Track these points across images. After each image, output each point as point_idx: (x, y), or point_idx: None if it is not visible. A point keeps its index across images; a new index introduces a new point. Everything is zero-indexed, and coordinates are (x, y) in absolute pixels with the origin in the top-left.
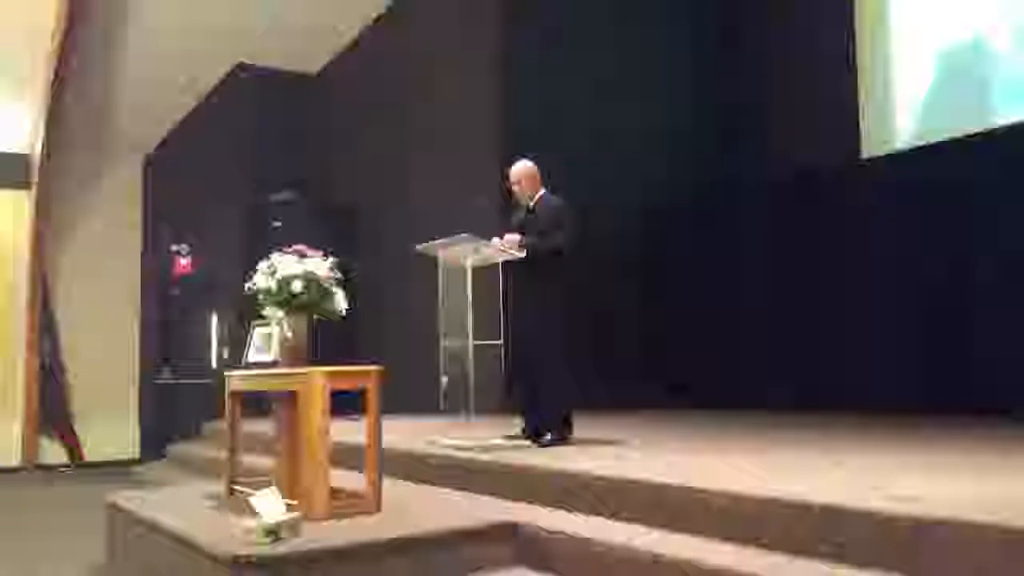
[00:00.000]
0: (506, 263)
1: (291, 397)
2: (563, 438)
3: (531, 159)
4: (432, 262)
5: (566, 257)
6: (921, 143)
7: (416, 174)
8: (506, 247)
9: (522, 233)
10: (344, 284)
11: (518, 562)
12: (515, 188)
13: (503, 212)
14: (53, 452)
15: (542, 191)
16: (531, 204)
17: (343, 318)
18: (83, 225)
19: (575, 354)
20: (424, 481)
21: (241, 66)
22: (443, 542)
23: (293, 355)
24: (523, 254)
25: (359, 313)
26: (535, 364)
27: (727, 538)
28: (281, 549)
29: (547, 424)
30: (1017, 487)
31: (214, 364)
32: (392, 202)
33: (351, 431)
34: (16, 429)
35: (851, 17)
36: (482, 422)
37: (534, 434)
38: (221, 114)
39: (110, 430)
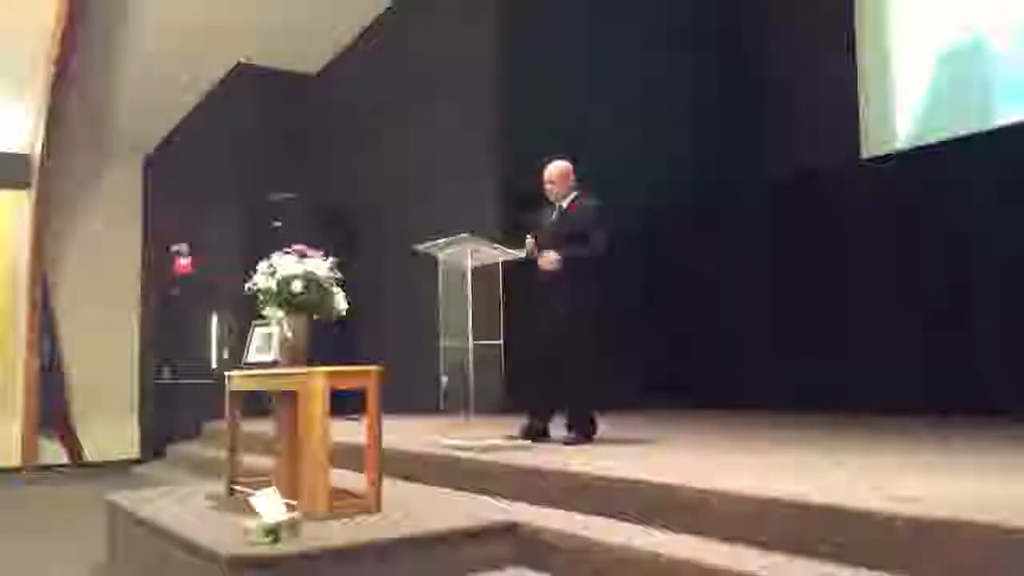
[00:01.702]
0: (512, 262)
1: (291, 397)
2: (588, 437)
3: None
4: (432, 262)
5: (600, 257)
6: (921, 143)
7: (416, 174)
8: (549, 265)
9: (553, 233)
10: (343, 282)
11: (518, 562)
12: (548, 187)
13: (505, 212)
14: (53, 452)
15: (574, 193)
16: (564, 205)
17: (343, 318)
18: (83, 225)
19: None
20: (424, 481)
21: (241, 66)
22: (443, 542)
23: (293, 355)
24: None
25: (359, 313)
26: (563, 364)
27: (727, 538)
28: (281, 549)
29: (573, 422)
30: (1017, 487)
31: (214, 364)
32: (392, 202)
33: (351, 431)
34: (16, 429)
35: (851, 17)
36: (482, 422)
37: (540, 434)
38: (221, 114)
39: (110, 430)
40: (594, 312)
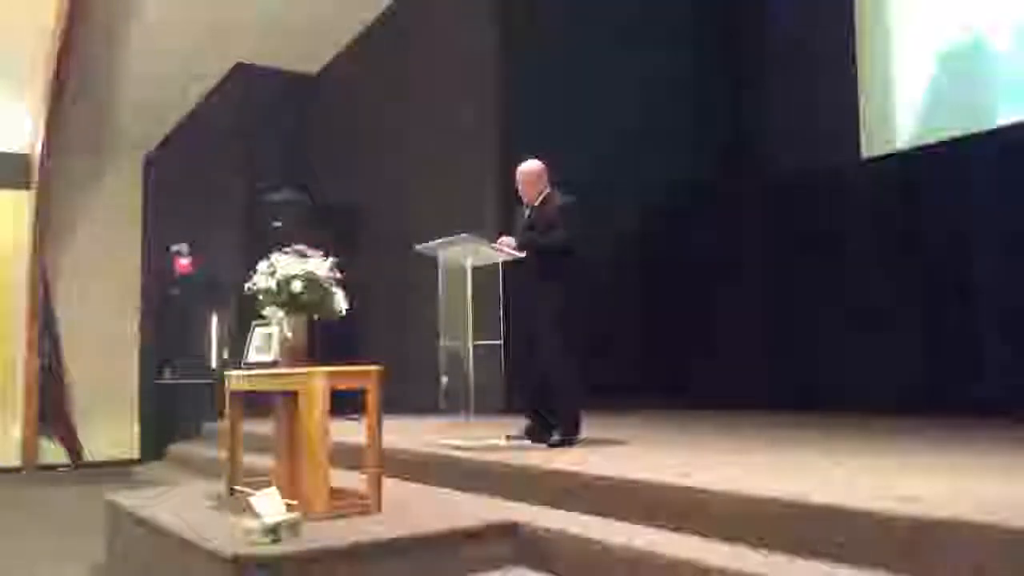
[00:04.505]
0: (508, 263)
1: (291, 397)
2: (570, 438)
3: (531, 159)
4: (432, 262)
5: (568, 255)
6: (921, 143)
7: (416, 174)
8: (502, 248)
9: (530, 230)
10: (343, 283)
11: (518, 562)
12: (520, 188)
13: (505, 212)
14: (53, 452)
15: (548, 190)
16: (536, 203)
17: (343, 318)
18: (83, 225)
19: (577, 354)
20: (424, 481)
21: (241, 66)
22: (443, 542)
23: (293, 355)
24: (522, 255)
25: (359, 313)
26: (543, 364)
27: (727, 538)
28: (281, 549)
29: (557, 423)
30: (1017, 487)
31: (214, 364)
32: (392, 202)
33: (351, 431)
34: (16, 429)
35: (851, 17)
36: (482, 422)
37: (539, 434)
38: (221, 114)
39: (110, 430)
40: (565, 312)
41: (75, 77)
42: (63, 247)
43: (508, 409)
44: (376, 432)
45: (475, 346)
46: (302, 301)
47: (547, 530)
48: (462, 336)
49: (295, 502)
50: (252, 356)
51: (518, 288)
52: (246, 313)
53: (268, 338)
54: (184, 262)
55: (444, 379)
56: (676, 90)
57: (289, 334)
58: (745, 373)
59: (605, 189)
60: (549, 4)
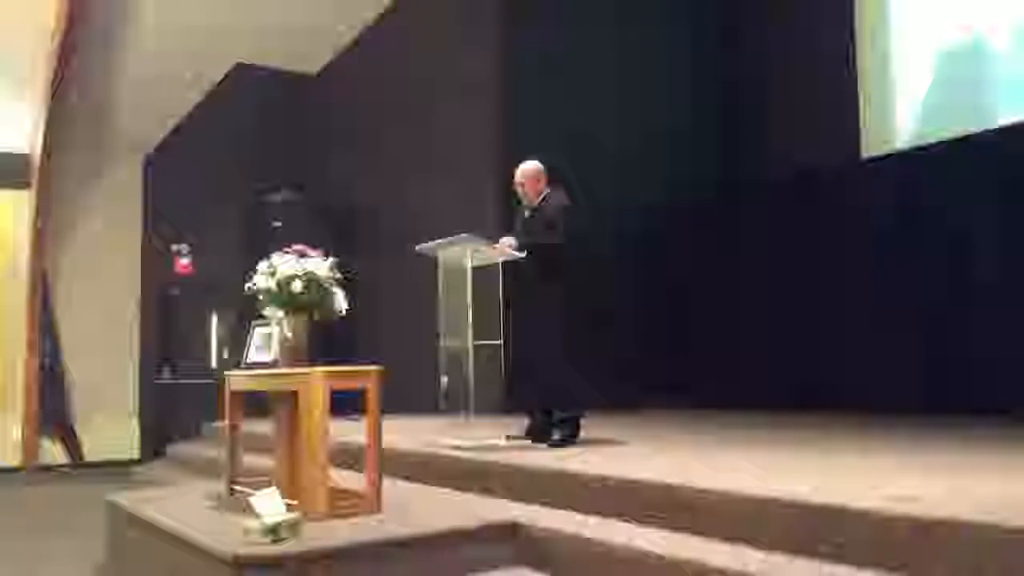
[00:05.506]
0: (506, 263)
1: (291, 397)
2: (570, 438)
3: (531, 159)
4: (432, 262)
5: (564, 256)
6: (921, 143)
7: (416, 174)
8: (502, 248)
9: (527, 232)
10: (345, 284)
11: (518, 562)
12: (519, 188)
13: (504, 212)
14: (53, 452)
15: (546, 190)
16: (536, 204)
17: (343, 318)
18: (83, 225)
19: (576, 354)
20: (424, 481)
21: (241, 66)
22: (443, 542)
23: (293, 355)
24: (522, 255)
25: (359, 313)
26: (541, 365)
27: (727, 538)
28: (281, 549)
29: (556, 424)
30: (1016, 487)
31: (214, 364)
32: (392, 202)
33: (351, 431)
34: (16, 429)
35: (851, 17)
36: (482, 422)
37: (540, 434)
38: (221, 114)
39: (110, 430)
40: (563, 313)
41: (75, 77)
42: (63, 247)
43: (508, 409)
44: (376, 432)
45: (475, 346)
46: (302, 301)
47: (547, 530)
48: (462, 336)
49: (295, 502)
50: (252, 356)
51: (518, 288)
52: (246, 313)
53: (268, 338)
54: (184, 262)
55: (444, 379)
56: (676, 90)
57: (289, 334)
58: (745, 373)
59: (605, 189)
60: (550, 4)
